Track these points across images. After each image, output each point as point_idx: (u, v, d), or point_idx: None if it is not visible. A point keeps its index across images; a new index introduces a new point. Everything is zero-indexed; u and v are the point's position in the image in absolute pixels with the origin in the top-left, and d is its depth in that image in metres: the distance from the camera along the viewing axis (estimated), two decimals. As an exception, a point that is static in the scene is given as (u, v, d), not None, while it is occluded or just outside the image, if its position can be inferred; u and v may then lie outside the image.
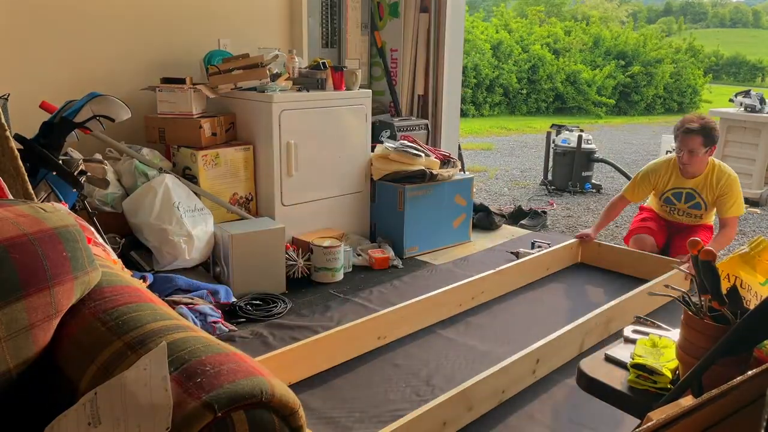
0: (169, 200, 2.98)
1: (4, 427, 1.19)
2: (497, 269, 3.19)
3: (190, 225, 2.98)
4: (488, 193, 5.72)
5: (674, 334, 1.57)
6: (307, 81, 3.55)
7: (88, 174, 2.67)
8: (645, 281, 3.11)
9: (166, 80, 3.33)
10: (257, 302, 2.95)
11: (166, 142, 3.34)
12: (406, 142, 3.81)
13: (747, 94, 5.46)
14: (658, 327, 1.70)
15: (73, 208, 2.59)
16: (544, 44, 14.25)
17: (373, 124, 3.87)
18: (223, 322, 2.71)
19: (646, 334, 1.62)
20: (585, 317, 2.59)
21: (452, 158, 3.93)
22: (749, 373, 0.87)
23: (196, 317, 2.64)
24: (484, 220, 4.35)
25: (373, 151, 3.77)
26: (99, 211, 2.94)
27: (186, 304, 2.69)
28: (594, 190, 5.77)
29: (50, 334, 1.24)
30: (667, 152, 6.20)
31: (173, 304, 2.64)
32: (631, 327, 1.69)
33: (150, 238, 2.97)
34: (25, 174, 1.89)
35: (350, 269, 3.43)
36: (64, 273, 1.25)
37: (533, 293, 3.25)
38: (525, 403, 2.22)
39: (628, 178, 5.79)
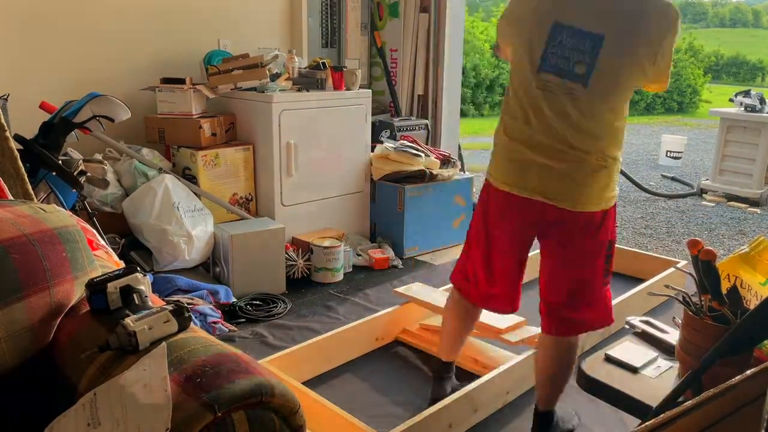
0: (168, 200, 2.98)
1: (4, 427, 1.19)
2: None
3: (189, 225, 2.98)
4: (488, 193, 5.71)
5: (674, 335, 1.57)
6: (307, 81, 3.55)
7: (88, 174, 2.67)
8: (640, 279, 3.11)
9: (166, 80, 3.33)
10: (257, 302, 2.95)
11: (165, 143, 3.34)
12: (406, 142, 3.81)
13: (747, 93, 5.46)
14: (657, 327, 1.70)
15: (73, 209, 2.59)
16: (544, 44, 14.23)
17: (373, 124, 3.87)
18: (222, 322, 2.71)
19: (647, 334, 1.61)
20: (585, 317, 2.58)
21: (452, 158, 3.93)
22: (748, 372, 0.87)
23: (196, 317, 2.64)
24: (484, 220, 4.35)
25: (373, 151, 3.77)
26: (99, 212, 2.94)
27: (186, 304, 2.69)
28: (594, 190, 5.76)
29: (50, 334, 1.24)
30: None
31: (173, 305, 2.64)
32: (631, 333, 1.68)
33: (150, 238, 2.97)
34: (25, 174, 1.89)
35: (350, 269, 3.43)
36: (64, 273, 1.25)
37: (531, 291, 3.25)
38: (528, 404, 2.21)
39: (628, 178, 5.80)
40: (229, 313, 2.84)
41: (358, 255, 3.55)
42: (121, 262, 1.81)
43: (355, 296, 3.12)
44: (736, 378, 0.86)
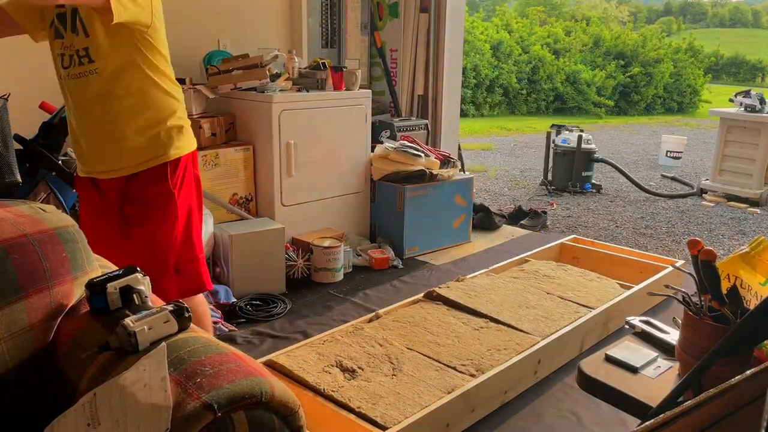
0: (169, 200, 2.98)
1: (4, 427, 1.19)
2: (490, 268, 3.20)
3: (190, 225, 2.97)
4: (488, 193, 5.72)
5: (674, 335, 1.57)
6: (307, 81, 3.55)
7: (88, 174, 2.67)
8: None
9: (166, 80, 3.32)
10: (257, 302, 2.95)
11: (166, 143, 3.34)
12: (406, 142, 3.81)
13: (747, 94, 5.46)
14: (657, 327, 1.70)
15: (72, 208, 2.59)
16: (544, 44, 14.24)
17: (373, 124, 3.87)
18: (222, 322, 2.71)
19: (647, 334, 1.61)
20: (585, 317, 2.59)
21: (452, 158, 3.93)
22: (748, 372, 0.87)
23: (196, 317, 2.63)
24: (484, 220, 4.35)
25: (373, 151, 3.77)
26: (99, 212, 2.94)
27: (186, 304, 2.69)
28: (594, 191, 5.77)
29: (50, 334, 1.24)
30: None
31: (173, 305, 2.64)
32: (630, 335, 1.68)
33: (150, 238, 2.96)
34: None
35: (350, 269, 3.43)
36: (63, 273, 1.25)
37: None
38: (527, 404, 2.22)
39: (628, 178, 5.80)
40: (229, 313, 2.84)
41: (358, 255, 3.55)
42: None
43: (355, 296, 3.12)
44: (736, 378, 0.86)
